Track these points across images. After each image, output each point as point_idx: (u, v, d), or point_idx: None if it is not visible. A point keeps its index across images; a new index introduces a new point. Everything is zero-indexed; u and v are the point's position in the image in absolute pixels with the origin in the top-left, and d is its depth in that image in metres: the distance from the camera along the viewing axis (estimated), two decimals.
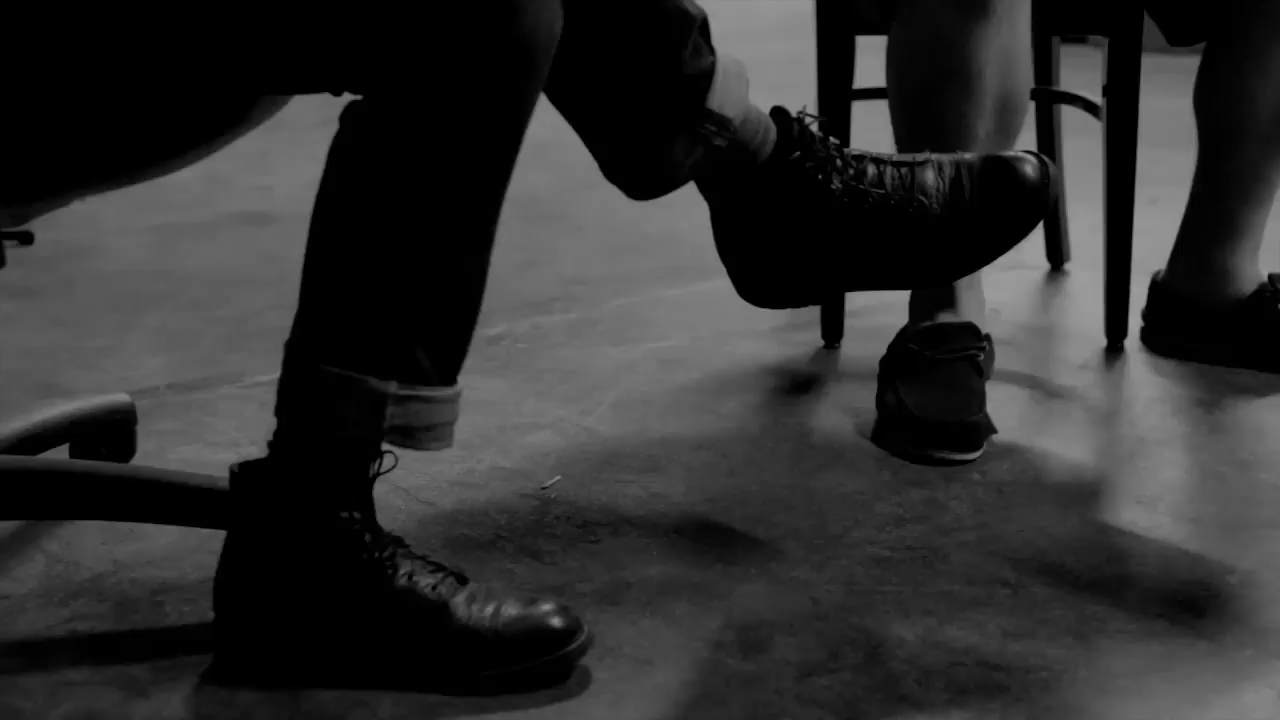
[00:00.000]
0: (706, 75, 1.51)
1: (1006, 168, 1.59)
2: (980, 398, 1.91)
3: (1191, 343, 2.23)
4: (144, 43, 1.27)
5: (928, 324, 1.99)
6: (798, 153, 1.57)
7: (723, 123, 1.52)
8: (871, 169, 1.59)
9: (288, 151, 3.86)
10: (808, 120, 1.59)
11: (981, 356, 1.98)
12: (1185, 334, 2.24)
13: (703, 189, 1.61)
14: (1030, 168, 1.59)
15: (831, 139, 1.60)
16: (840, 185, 1.57)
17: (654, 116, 1.51)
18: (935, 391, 1.91)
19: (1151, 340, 2.28)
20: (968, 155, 1.62)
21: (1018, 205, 1.59)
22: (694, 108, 1.51)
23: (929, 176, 1.59)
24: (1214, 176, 2.22)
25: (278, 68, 1.30)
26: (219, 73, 1.29)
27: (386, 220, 1.28)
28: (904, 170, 1.59)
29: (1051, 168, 1.61)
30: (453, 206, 1.28)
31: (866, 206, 1.57)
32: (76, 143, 1.31)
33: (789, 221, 1.58)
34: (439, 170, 1.26)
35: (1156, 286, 2.29)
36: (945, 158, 1.61)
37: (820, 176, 1.57)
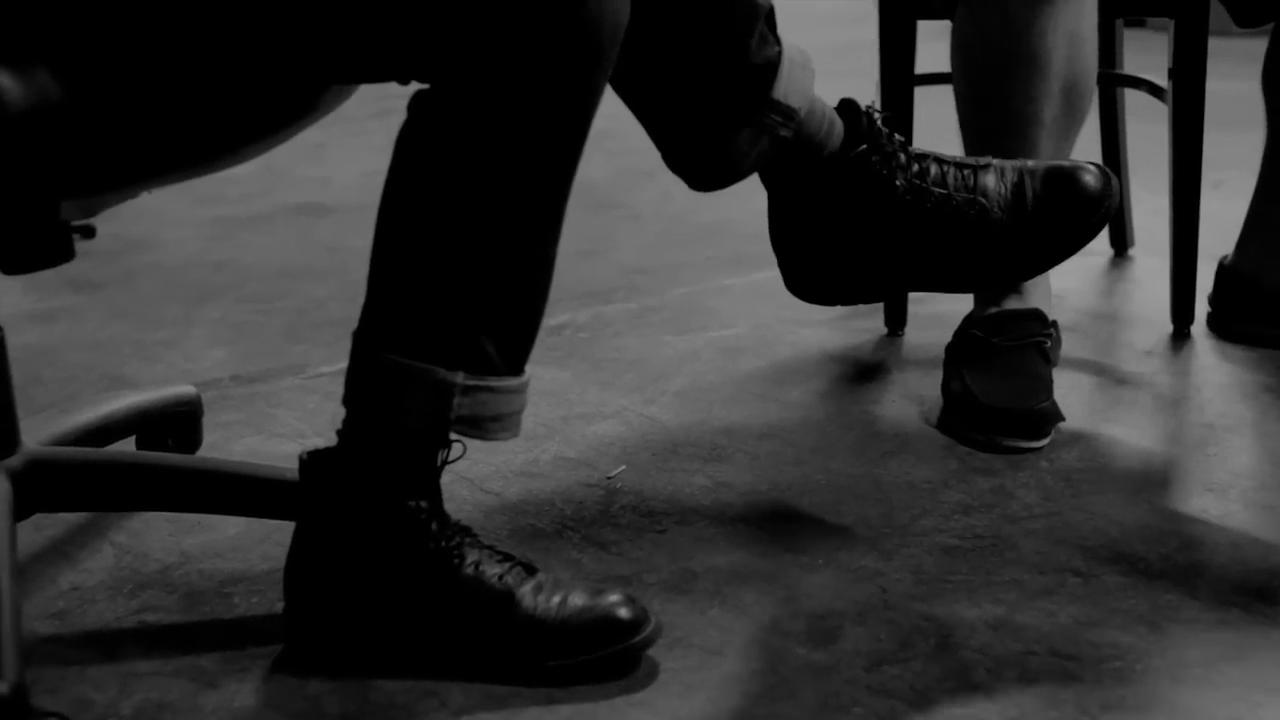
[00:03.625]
0: (772, 65, 1.51)
1: (1068, 178, 1.60)
2: (1047, 385, 1.90)
3: (1260, 328, 2.20)
4: (216, 33, 1.27)
5: (994, 310, 1.97)
6: (865, 147, 1.56)
7: (788, 113, 1.52)
8: (934, 168, 1.58)
9: (345, 143, 3.87)
10: (875, 115, 1.59)
11: (1048, 343, 1.96)
12: (1253, 319, 2.21)
13: (765, 182, 1.60)
14: (1092, 178, 1.61)
15: (897, 135, 1.59)
16: (904, 183, 1.57)
17: (719, 107, 1.50)
18: (1002, 379, 1.89)
19: (1218, 326, 2.25)
20: (1030, 162, 1.63)
21: (1078, 216, 1.60)
22: (760, 98, 1.50)
23: (990, 180, 1.59)
24: None
25: (347, 57, 1.30)
26: (289, 62, 1.29)
27: (454, 209, 1.27)
28: (966, 172, 1.59)
29: (1113, 180, 1.62)
30: (520, 195, 1.27)
31: (928, 206, 1.57)
32: (150, 134, 1.31)
33: (850, 216, 1.58)
34: (506, 159, 1.26)
35: (1224, 270, 2.26)
36: (1008, 164, 1.62)
37: (885, 172, 1.56)
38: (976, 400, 1.86)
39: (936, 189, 1.57)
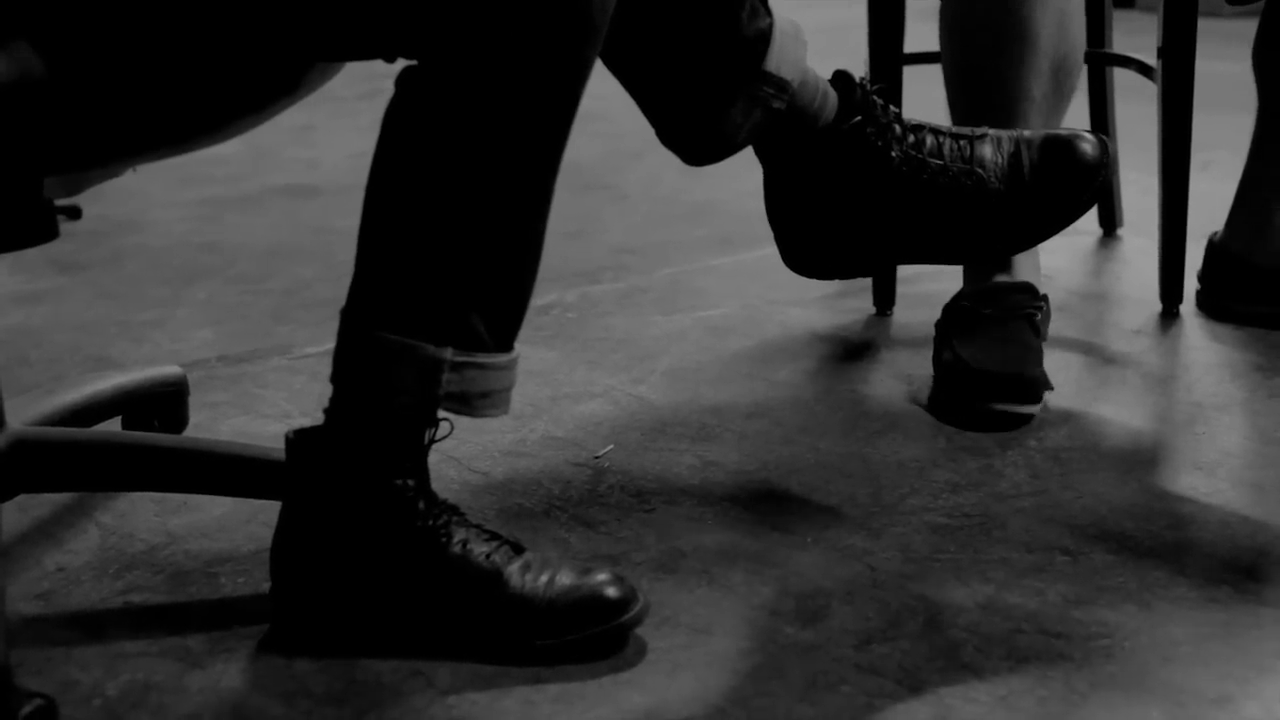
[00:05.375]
0: (764, 37, 1.50)
1: (1065, 146, 1.59)
2: (1037, 354, 1.89)
3: (1248, 306, 2.20)
4: (200, 8, 1.26)
5: (984, 284, 1.97)
6: (859, 118, 1.56)
7: (781, 85, 1.51)
8: (930, 139, 1.58)
9: (333, 124, 3.86)
10: (869, 87, 1.58)
11: (1039, 316, 1.96)
12: (1242, 297, 2.21)
13: (760, 156, 1.60)
14: (1089, 146, 1.60)
15: (891, 107, 1.59)
16: (899, 154, 1.56)
17: (712, 80, 1.50)
18: (992, 346, 1.89)
19: (1207, 303, 2.25)
20: (1026, 132, 1.62)
21: (1075, 184, 1.59)
22: (752, 70, 1.50)
23: (987, 151, 1.59)
24: (1272, 136, 2.20)
25: (333, 33, 1.29)
26: (274, 39, 1.29)
27: (442, 186, 1.27)
28: (962, 143, 1.59)
29: (1110, 146, 1.62)
30: (509, 172, 1.27)
31: (925, 177, 1.57)
32: (133, 110, 1.30)
33: (846, 188, 1.57)
34: (495, 135, 1.25)
35: (1213, 248, 2.26)
36: (1004, 133, 1.61)
37: (880, 144, 1.56)
38: (966, 365, 1.86)
39: (933, 160, 1.57)
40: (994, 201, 1.58)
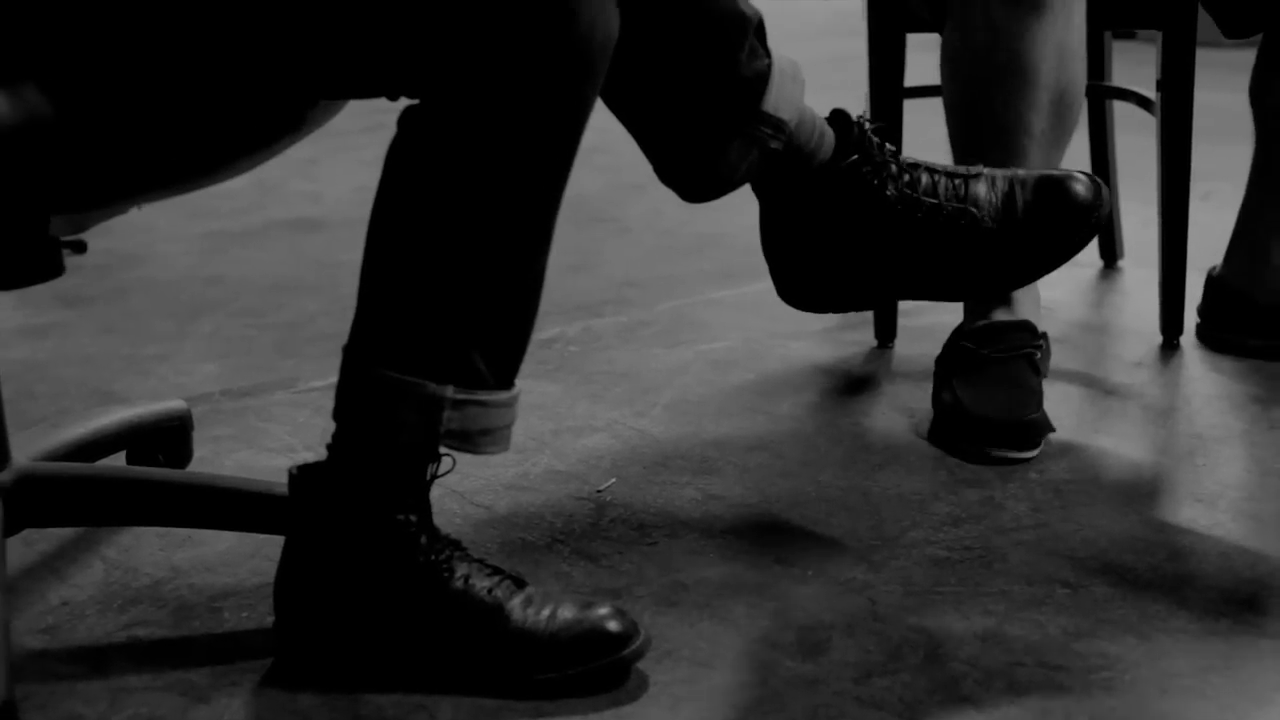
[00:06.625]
0: (762, 77, 1.51)
1: (1059, 186, 1.60)
2: (1037, 396, 1.90)
3: (1248, 339, 2.21)
4: (205, 49, 1.27)
5: (983, 322, 1.98)
6: (856, 156, 1.56)
7: (778, 125, 1.52)
8: (925, 178, 1.59)
9: (336, 158, 3.87)
10: (866, 125, 1.59)
11: (1038, 355, 1.96)
12: (1241, 330, 2.22)
13: (756, 190, 1.61)
14: (1083, 187, 1.61)
15: (888, 145, 1.60)
16: (894, 192, 1.57)
17: (710, 119, 1.51)
18: (992, 389, 1.90)
19: (1207, 336, 2.26)
20: (1021, 170, 1.63)
21: (1069, 224, 1.60)
22: (750, 110, 1.51)
23: (981, 189, 1.60)
24: (1271, 170, 2.20)
25: (336, 73, 1.30)
26: (278, 78, 1.30)
27: (444, 224, 1.28)
28: (957, 182, 1.60)
29: (1104, 188, 1.62)
30: (510, 210, 1.28)
31: (919, 215, 1.57)
32: (140, 150, 1.31)
33: (841, 226, 1.58)
34: (496, 173, 1.26)
35: (1212, 281, 2.27)
36: (999, 172, 1.62)
37: (876, 182, 1.57)
38: (966, 411, 1.86)
39: (927, 199, 1.58)
40: (987, 240, 1.58)
